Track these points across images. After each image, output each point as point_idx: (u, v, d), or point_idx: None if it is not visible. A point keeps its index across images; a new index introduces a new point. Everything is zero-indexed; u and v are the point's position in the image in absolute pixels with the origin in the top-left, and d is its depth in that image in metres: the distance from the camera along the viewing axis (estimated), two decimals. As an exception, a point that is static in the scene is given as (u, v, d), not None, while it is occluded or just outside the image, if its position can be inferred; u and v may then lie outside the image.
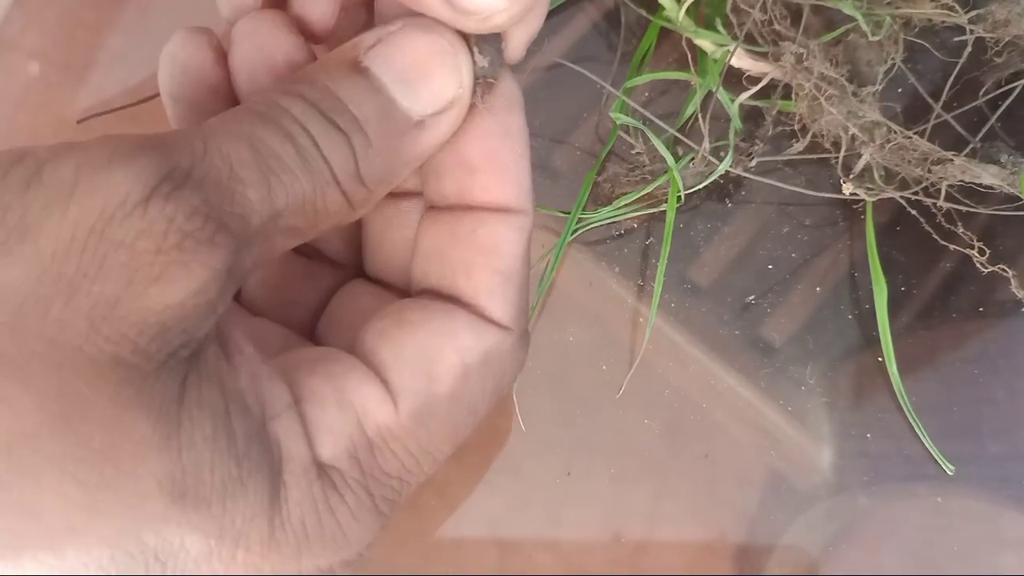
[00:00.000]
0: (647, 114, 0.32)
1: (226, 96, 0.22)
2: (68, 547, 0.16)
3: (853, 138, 0.29)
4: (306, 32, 0.22)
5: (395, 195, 0.24)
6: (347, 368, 0.20)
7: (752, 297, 0.31)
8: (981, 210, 0.29)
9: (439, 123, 0.20)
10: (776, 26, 0.29)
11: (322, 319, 0.23)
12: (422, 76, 0.20)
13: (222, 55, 0.22)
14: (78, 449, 0.16)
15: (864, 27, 0.28)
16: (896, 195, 0.29)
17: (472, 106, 0.21)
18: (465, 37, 0.20)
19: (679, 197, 0.31)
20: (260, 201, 0.18)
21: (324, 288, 0.25)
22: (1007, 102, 0.30)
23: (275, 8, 0.22)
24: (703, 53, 0.32)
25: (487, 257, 0.21)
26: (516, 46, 0.21)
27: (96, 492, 0.16)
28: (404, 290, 0.24)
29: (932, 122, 0.29)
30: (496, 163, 0.21)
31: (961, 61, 0.28)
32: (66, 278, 0.16)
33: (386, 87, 0.19)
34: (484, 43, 0.20)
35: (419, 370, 0.20)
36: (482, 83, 0.21)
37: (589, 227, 0.32)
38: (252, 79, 0.22)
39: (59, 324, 0.16)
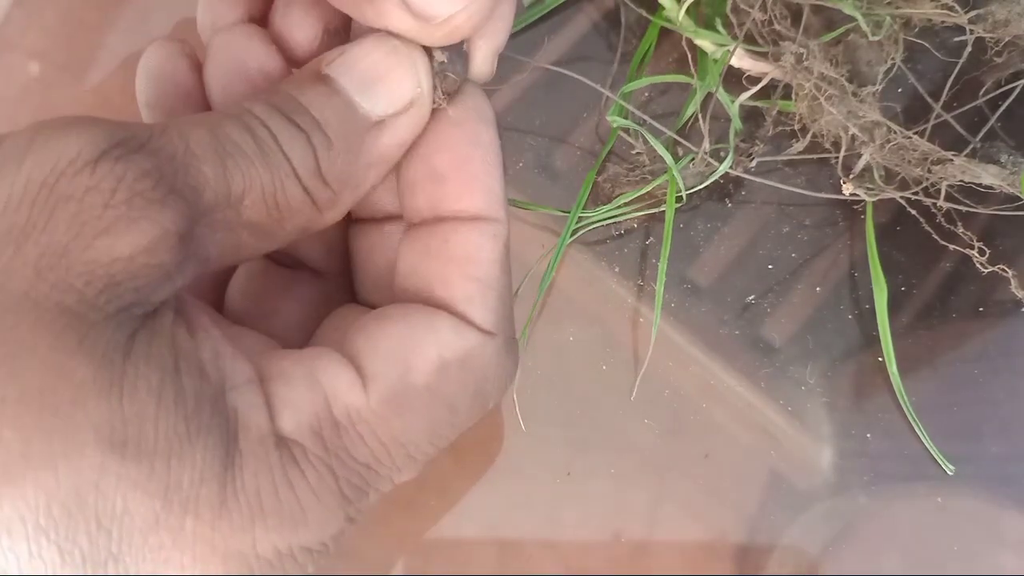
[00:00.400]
0: (645, 117, 0.32)
1: (200, 104, 0.23)
2: (4, 494, 0.16)
3: (853, 138, 0.29)
4: (288, 53, 0.23)
5: (379, 220, 0.24)
6: (319, 353, 0.20)
7: (752, 297, 0.31)
8: (981, 210, 0.29)
9: (399, 124, 0.21)
10: (776, 26, 0.29)
11: (312, 340, 0.23)
12: (379, 77, 0.20)
13: (196, 64, 0.23)
14: (16, 391, 0.16)
15: (864, 27, 0.28)
16: (896, 195, 0.29)
17: (439, 114, 0.21)
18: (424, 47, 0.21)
19: (679, 197, 0.31)
20: (215, 178, 0.18)
21: (307, 298, 0.25)
22: (1007, 102, 0.30)
23: (253, 24, 0.23)
24: (703, 53, 0.32)
25: (462, 266, 0.21)
26: (483, 60, 0.22)
27: (33, 436, 0.16)
28: None
29: (932, 122, 0.29)
30: (464, 172, 0.21)
31: (961, 61, 0.28)
32: (16, 228, 0.16)
33: (345, 90, 0.20)
34: (444, 49, 0.21)
35: (394, 358, 0.20)
36: (441, 81, 0.21)
37: (589, 227, 0.32)
38: (226, 89, 0.22)
39: (7, 272, 0.16)
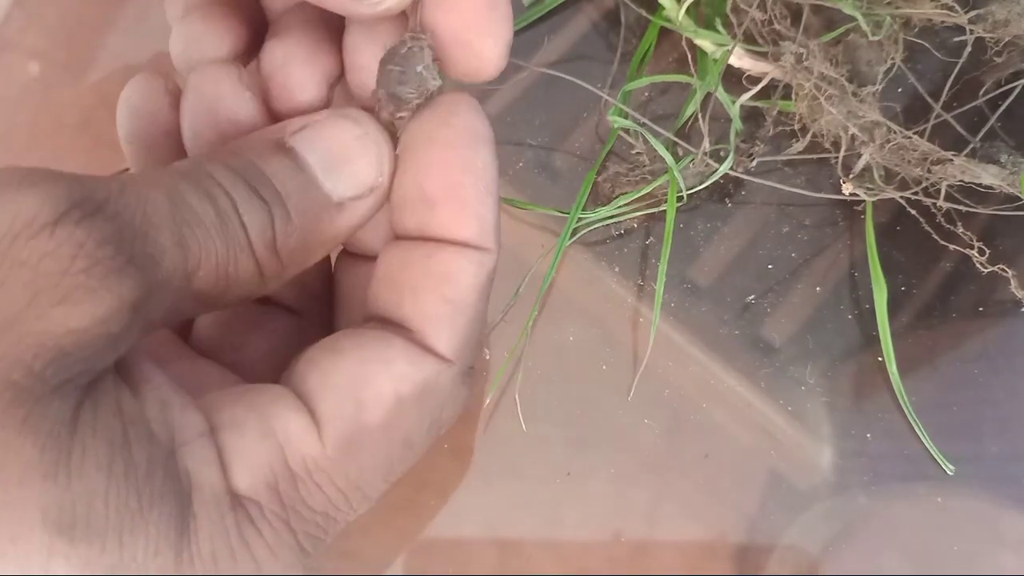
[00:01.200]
0: (645, 120, 0.32)
1: (180, 143, 0.22)
2: None
3: (853, 138, 0.29)
4: (277, 101, 0.22)
5: (369, 257, 0.23)
6: (272, 397, 0.19)
7: (752, 297, 0.31)
8: (981, 210, 0.29)
9: (357, 207, 0.20)
10: (776, 26, 0.29)
11: (282, 378, 0.23)
12: (346, 160, 0.20)
13: (178, 101, 0.22)
14: None
15: (864, 27, 0.28)
16: (896, 195, 0.29)
17: (433, 133, 0.21)
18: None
19: (679, 197, 0.31)
20: (172, 248, 0.17)
21: (278, 334, 0.24)
22: (1007, 102, 0.30)
23: (231, 64, 0.22)
24: (703, 53, 0.32)
25: (437, 283, 0.20)
26: (497, 55, 0.20)
27: None
28: None
29: (932, 122, 0.29)
30: (456, 198, 0.20)
31: (961, 61, 0.28)
32: None
33: (310, 167, 0.20)
34: (413, 64, 0.20)
35: (347, 398, 0.19)
36: (418, 84, 0.20)
37: (589, 227, 0.32)
38: (195, 132, 0.22)
39: None
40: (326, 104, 0.22)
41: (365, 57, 0.22)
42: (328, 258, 0.25)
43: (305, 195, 0.19)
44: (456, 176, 0.20)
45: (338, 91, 0.23)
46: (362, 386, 0.19)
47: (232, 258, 0.19)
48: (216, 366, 0.22)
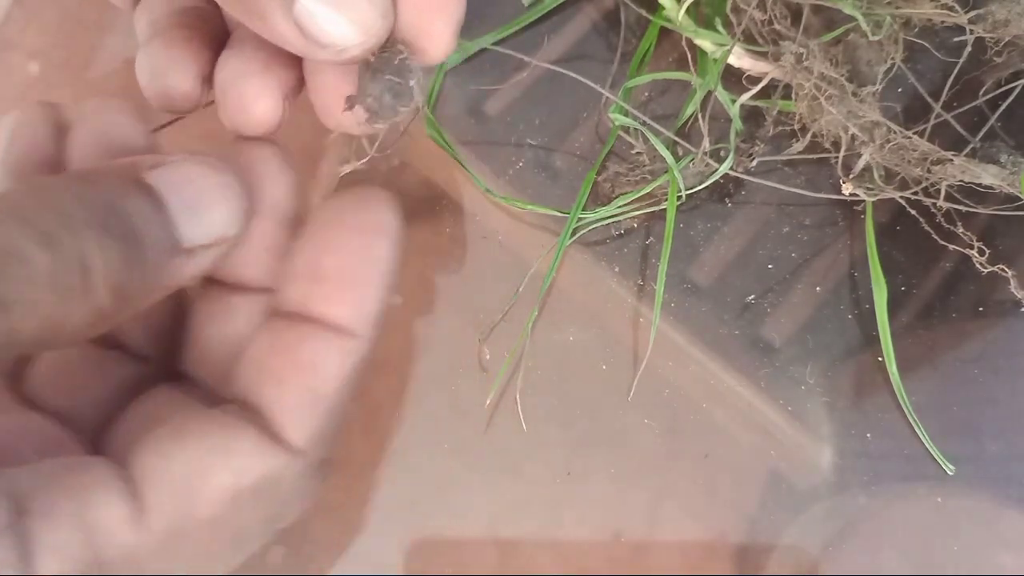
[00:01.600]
0: (645, 119, 0.32)
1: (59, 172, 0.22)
2: None
3: (853, 138, 0.29)
4: (242, 115, 0.22)
5: (228, 288, 0.23)
6: (95, 480, 0.18)
7: (752, 297, 0.31)
8: (981, 210, 0.29)
9: (205, 255, 0.20)
10: (776, 26, 0.29)
11: (117, 425, 0.21)
12: (205, 207, 0.19)
13: (63, 131, 0.22)
14: None
15: (864, 27, 0.28)
16: (896, 195, 0.29)
17: (342, 215, 0.21)
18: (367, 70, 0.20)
19: (679, 197, 0.31)
20: None
21: (120, 384, 0.23)
22: (1007, 102, 0.30)
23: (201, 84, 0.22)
24: (703, 53, 0.32)
25: (301, 372, 0.20)
26: (448, 41, 0.20)
27: None
28: (215, 392, 0.22)
29: (932, 122, 0.29)
30: (343, 279, 0.20)
31: (961, 61, 0.28)
32: None
33: (169, 209, 0.19)
34: (407, 78, 0.20)
35: (179, 488, 0.18)
36: (397, 98, 0.20)
37: (589, 227, 0.32)
38: (83, 162, 0.21)
39: None
40: (282, 118, 0.22)
41: (327, 75, 0.21)
42: (179, 303, 0.24)
43: (159, 237, 0.19)
44: (352, 259, 0.20)
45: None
46: (199, 477, 0.18)
47: (64, 310, 0.17)
48: (41, 419, 0.21)
